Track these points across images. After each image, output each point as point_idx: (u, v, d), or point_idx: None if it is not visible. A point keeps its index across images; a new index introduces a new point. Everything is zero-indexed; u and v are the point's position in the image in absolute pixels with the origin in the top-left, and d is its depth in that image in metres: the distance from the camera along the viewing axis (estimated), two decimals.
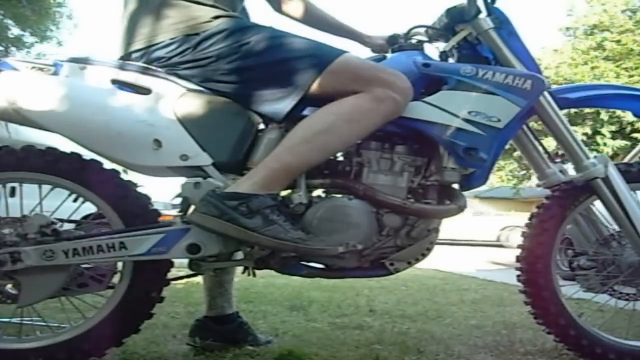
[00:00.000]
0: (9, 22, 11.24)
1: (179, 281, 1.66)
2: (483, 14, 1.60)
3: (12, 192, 1.58)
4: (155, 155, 1.44)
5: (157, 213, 1.55)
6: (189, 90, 1.48)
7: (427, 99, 1.51)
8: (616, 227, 1.71)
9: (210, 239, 1.45)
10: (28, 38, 11.82)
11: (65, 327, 1.54)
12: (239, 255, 1.56)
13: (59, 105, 1.42)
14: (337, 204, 1.51)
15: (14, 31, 11.55)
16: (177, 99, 1.47)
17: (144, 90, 1.47)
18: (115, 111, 1.44)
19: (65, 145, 1.56)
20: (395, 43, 1.77)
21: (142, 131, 1.44)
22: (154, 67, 1.51)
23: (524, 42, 1.65)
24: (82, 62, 1.49)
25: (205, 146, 1.46)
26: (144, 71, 1.49)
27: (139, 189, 1.54)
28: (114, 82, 1.48)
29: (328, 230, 1.47)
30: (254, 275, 1.59)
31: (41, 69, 1.48)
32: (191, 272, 1.57)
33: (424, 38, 1.74)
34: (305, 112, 1.51)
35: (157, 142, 1.44)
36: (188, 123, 1.46)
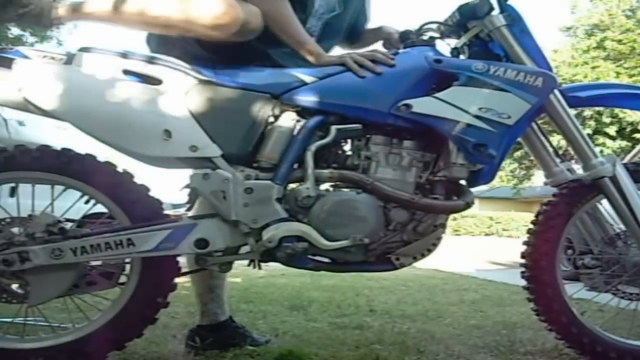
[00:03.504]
0: None
1: (179, 280, 1.65)
2: (495, 11, 1.60)
3: (12, 192, 1.58)
4: (164, 145, 1.45)
5: (167, 217, 1.55)
6: (200, 81, 1.50)
7: (438, 94, 1.51)
8: (622, 227, 1.70)
9: (218, 234, 1.47)
10: (28, 38, 11.79)
11: (68, 329, 1.54)
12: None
13: (70, 95, 1.44)
14: (345, 197, 1.52)
15: (14, 31, 11.52)
16: (188, 90, 1.48)
17: (155, 81, 1.48)
18: (126, 101, 1.44)
19: (62, 144, 1.57)
20: (407, 39, 1.76)
21: (152, 121, 1.45)
22: (164, 57, 1.52)
23: (536, 40, 1.64)
24: (94, 52, 1.50)
25: (215, 137, 1.48)
26: (155, 61, 1.50)
27: (150, 193, 1.54)
28: (126, 72, 1.49)
29: (335, 224, 1.49)
30: (260, 267, 1.59)
31: (53, 59, 1.48)
32: (189, 270, 1.58)
33: (436, 35, 1.73)
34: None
35: (167, 133, 1.45)
36: (198, 114, 1.48)
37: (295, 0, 1.64)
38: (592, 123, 13.79)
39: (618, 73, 14.17)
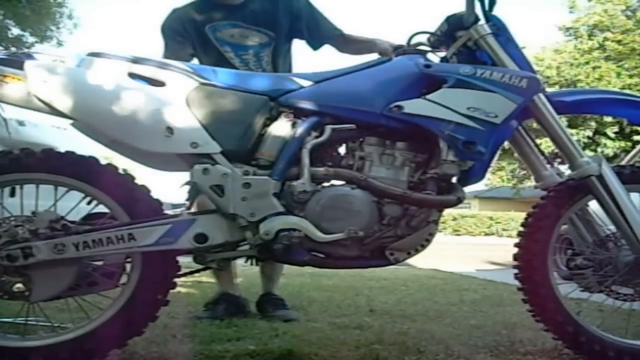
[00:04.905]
0: (9, 22, 11.24)
1: (179, 280, 1.66)
2: (481, 21, 1.67)
3: (12, 193, 1.60)
4: (166, 141, 1.51)
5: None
6: (202, 83, 1.57)
7: (428, 96, 1.57)
8: (612, 228, 1.72)
9: (217, 228, 1.52)
10: (28, 38, 11.81)
11: (69, 328, 1.55)
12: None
13: (80, 95, 1.51)
14: (340, 192, 1.57)
15: (14, 31, 11.54)
16: (190, 91, 1.55)
17: (159, 83, 1.55)
18: (131, 101, 1.51)
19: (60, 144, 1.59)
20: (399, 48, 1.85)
21: (155, 119, 1.51)
22: (168, 62, 1.61)
23: (521, 49, 1.72)
24: (102, 56, 1.58)
25: (215, 135, 1.54)
26: (159, 65, 1.58)
27: (151, 193, 1.58)
28: (131, 75, 1.56)
29: (330, 217, 1.53)
30: (257, 264, 1.62)
31: (62, 62, 1.55)
32: (189, 270, 1.60)
33: (427, 48, 1.80)
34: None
35: (169, 130, 1.51)
36: (199, 113, 1.54)
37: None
38: (592, 124, 13.79)
39: (619, 73, 14.17)
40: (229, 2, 2.29)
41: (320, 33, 2.38)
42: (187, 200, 1.59)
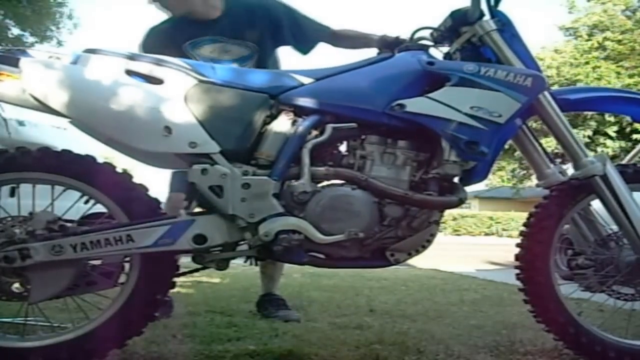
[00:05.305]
0: (9, 22, 11.23)
1: (178, 280, 1.66)
2: (486, 17, 1.64)
3: (12, 192, 1.59)
4: (165, 141, 1.49)
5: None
6: (200, 81, 1.54)
7: (431, 94, 1.55)
8: (614, 228, 1.71)
9: (216, 229, 1.50)
10: (28, 38, 11.79)
11: (68, 328, 1.55)
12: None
13: (76, 93, 1.48)
14: (340, 192, 1.56)
15: (14, 31, 11.53)
16: (188, 89, 1.53)
17: (157, 80, 1.53)
18: (129, 99, 1.49)
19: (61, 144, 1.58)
20: (401, 44, 1.82)
21: (153, 118, 1.49)
22: (167, 59, 1.57)
23: (526, 44, 1.68)
24: (98, 53, 1.55)
25: (214, 134, 1.51)
26: (157, 62, 1.55)
27: (149, 192, 1.57)
28: (129, 72, 1.53)
29: (331, 218, 1.52)
30: (257, 264, 1.61)
31: (59, 59, 1.53)
32: (189, 270, 1.59)
33: (430, 43, 1.78)
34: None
35: (168, 129, 1.49)
36: (198, 112, 1.52)
37: None
38: (592, 123, 13.80)
39: (618, 73, 14.18)
40: (204, 18, 2.25)
41: (307, 36, 2.33)
42: (186, 199, 1.59)
